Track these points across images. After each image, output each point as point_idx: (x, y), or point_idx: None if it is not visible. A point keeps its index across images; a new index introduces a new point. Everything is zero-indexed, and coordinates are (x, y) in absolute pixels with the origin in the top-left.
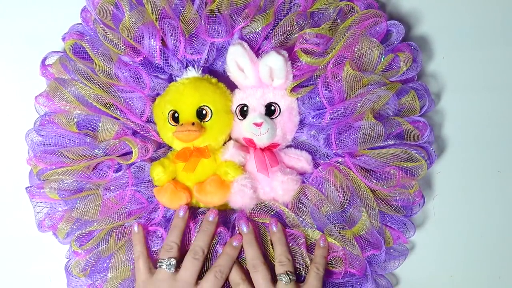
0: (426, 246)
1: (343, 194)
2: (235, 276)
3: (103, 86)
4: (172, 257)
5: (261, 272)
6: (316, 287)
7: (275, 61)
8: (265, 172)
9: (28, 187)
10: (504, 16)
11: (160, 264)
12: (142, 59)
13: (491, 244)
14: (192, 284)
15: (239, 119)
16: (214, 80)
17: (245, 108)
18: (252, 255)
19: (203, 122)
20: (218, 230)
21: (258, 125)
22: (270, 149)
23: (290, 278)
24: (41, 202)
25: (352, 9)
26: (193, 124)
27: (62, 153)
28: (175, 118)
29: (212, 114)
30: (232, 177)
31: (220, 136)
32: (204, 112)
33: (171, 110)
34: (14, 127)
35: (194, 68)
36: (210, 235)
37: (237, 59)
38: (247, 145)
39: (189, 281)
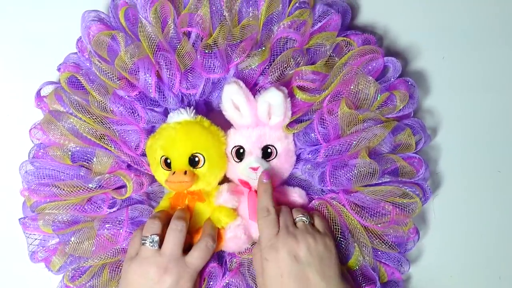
0: (426, 246)
1: (334, 229)
2: (266, 201)
3: (97, 119)
4: (154, 234)
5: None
6: (326, 226)
7: (274, 97)
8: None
9: (22, 218)
10: (504, 16)
11: (143, 241)
12: (138, 93)
13: (491, 244)
14: (178, 255)
15: (235, 161)
16: (206, 123)
17: (241, 151)
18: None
19: (196, 168)
20: (212, 265)
21: (254, 169)
22: None
23: (309, 220)
24: (34, 234)
25: (349, 44)
26: (185, 172)
27: (56, 185)
28: (168, 164)
29: (204, 161)
30: (225, 224)
31: (213, 180)
32: (196, 159)
33: (163, 156)
34: (14, 127)
35: (186, 111)
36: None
37: (232, 97)
38: (242, 186)
39: (175, 253)
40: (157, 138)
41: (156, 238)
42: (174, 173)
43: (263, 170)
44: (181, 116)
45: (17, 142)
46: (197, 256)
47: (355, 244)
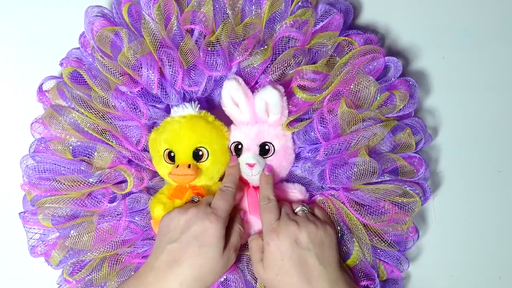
0: (426, 246)
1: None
2: (267, 191)
3: (99, 114)
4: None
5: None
6: (326, 215)
7: (270, 96)
8: (257, 215)
9: (22, 212)
10: (504, 16)
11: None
12: (140, 89)
13: (491, 244)
14: (206, 203)
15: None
16: (211, 118)
17: (239, 146)
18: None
19: (199, 162)
20: None
21: (250, 166)
22: None
23: (308, 209)
24: (34, 228)
25: (350, 43)
26: (189, 166)
27: (56, 180)
28: (171, 157)
29: (208, 155)
30: None
31: (216, 175)
32: (200, 153)
33: (167, 149)
34: (14, 127)
35: (191, 105)
36: (236, 176)
37: (232, 93)
38: (242, 181)
39: (205, 201)
40: (161, 132)
41: (198, 197)
42: (177, 166)
43: (266, 164)
44: (185, 110)
45: (17, 143)
46: (218, 199)
47: (355, 240)
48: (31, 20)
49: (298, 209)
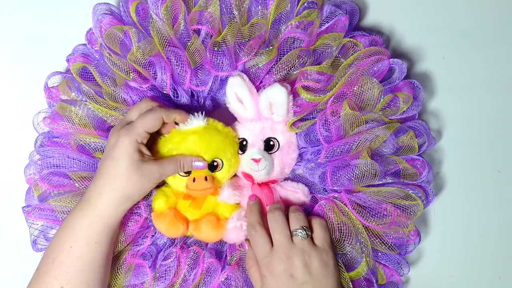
0: (426, 246)
1: (339, 233)
2: (253, 218)
3: (112, 107)
4: None
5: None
6: (325, 238)
7: (278, 93)
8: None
9: (25, 206)
10: (504, 16)
11: None
12: (150, 86)
13: (491, 244)
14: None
15: (238, 153)
16: (220, 126)
17: (244, 143)
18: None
19: (215, 172)
20: (209, 261)
21: (256, 161)
22: (268, 185)
23: (306, 233)
24: (37, 224)
25: (355, 45)
26: (205, 178)
27: (67, 175)
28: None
29: (223, 164)
30: (228, 215)
31: (228, 177)
32: (215, 163)
33: None
34: (14, 127)
35: (197, 117)
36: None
37: (236, 90)
38: (245, 179)
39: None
40: (173, 149)
41: None
42: (194, 179)
43: (250, 195)
44: (194, 122)
45: (17, 143)
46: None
47: (363, 254)
48: (31, 21)
49: (294, 233)
